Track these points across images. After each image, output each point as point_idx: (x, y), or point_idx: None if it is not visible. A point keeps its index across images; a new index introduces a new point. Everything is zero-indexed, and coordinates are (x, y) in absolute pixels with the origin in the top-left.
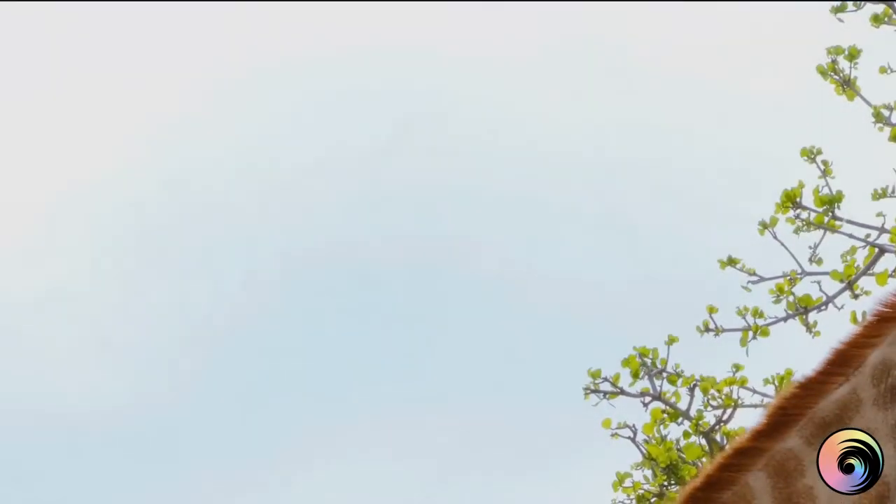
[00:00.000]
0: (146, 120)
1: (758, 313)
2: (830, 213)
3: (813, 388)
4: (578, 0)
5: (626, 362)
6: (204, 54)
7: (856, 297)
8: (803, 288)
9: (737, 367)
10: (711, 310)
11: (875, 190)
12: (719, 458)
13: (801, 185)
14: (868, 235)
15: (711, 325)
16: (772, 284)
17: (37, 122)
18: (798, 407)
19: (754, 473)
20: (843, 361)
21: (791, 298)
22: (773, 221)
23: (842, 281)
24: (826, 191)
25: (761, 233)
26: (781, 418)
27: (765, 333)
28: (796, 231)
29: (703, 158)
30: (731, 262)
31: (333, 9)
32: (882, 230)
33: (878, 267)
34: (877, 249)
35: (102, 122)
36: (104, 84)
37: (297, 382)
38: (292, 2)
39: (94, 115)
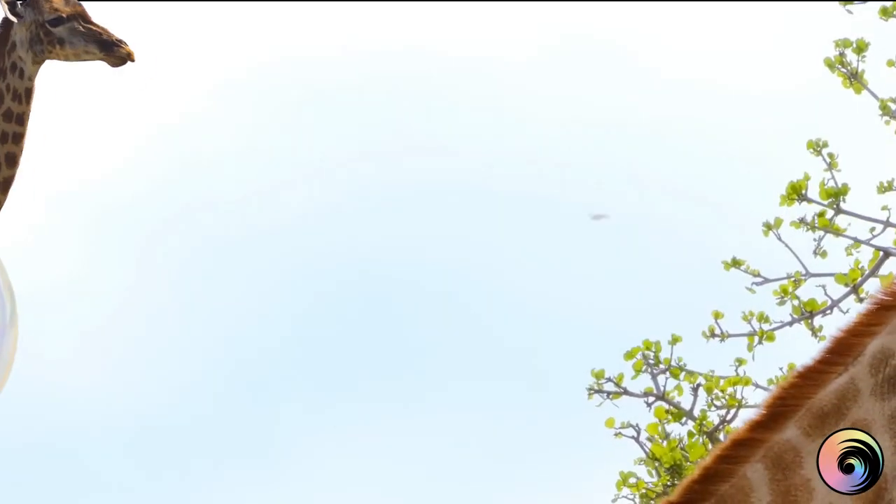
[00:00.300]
0: (147, 119)
1: (763, 318)
2: (836, 206)
3: (811, 377)
4: (578, 0)
5: (628, 355)
6: (205, 54)
7: (861, 300)
8: (808, 290)
9: (739, 362)
10: (717, 315)
11: (881, 183)
12: (717, 450)
13: (807, 178)
14: (873, 229)
15: (717, 331)
16: (776, 286)
17: (39, 121)
18: (796, 397)
19: (752, 465)
20: (842, 350)
21: (796, 302)
22: (778, 222)
23: (847, 284)
24: (832, 183)
25: (765, 234)
26: (779, 409)
27: (770, 338)
28: (799, 224)
29: (707, 157)
30: (736, 263)
31: (333, 9)
32: (887, 224)
33: (884, 270)
34: (881, 252)
35: (103, 121)
36: (106, 84)
37: (298, 382)
38: (292, 2)
39: (96, 115)
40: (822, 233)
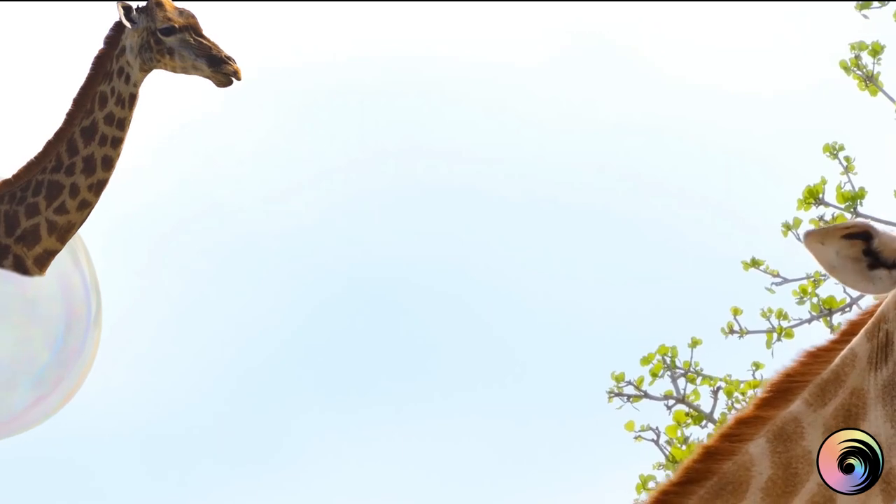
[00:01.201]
0: (158, 121)
1: (782, 315)
2: (853, 210)
3: (821, 356)
4: (588, 1)
5: (644, 360)
6: None
7: None
8: (827, 289)
9: (756, 366)
10: (736, 311)
11: None
12: (721, 428)
13: (824, 182)
14: None
15: (736, 327)
16: (795, 286)
17: (48, 125)
18: (804, 374)
19: (756, 441)
20: (856, 331)
21: (815, 300)
22: (797, 222)
23: None
24: (848, 187)
25: (784, 234)
26: (786, 385)
27: (789, 335)
28: (818, 222)
29: (724, 158)
30: (755, 263)
31: (338, 9)
32: None
33: None
34: None
35: None
36: None
37: (309, 386)
38: (301, 2)
39: None
40: None
